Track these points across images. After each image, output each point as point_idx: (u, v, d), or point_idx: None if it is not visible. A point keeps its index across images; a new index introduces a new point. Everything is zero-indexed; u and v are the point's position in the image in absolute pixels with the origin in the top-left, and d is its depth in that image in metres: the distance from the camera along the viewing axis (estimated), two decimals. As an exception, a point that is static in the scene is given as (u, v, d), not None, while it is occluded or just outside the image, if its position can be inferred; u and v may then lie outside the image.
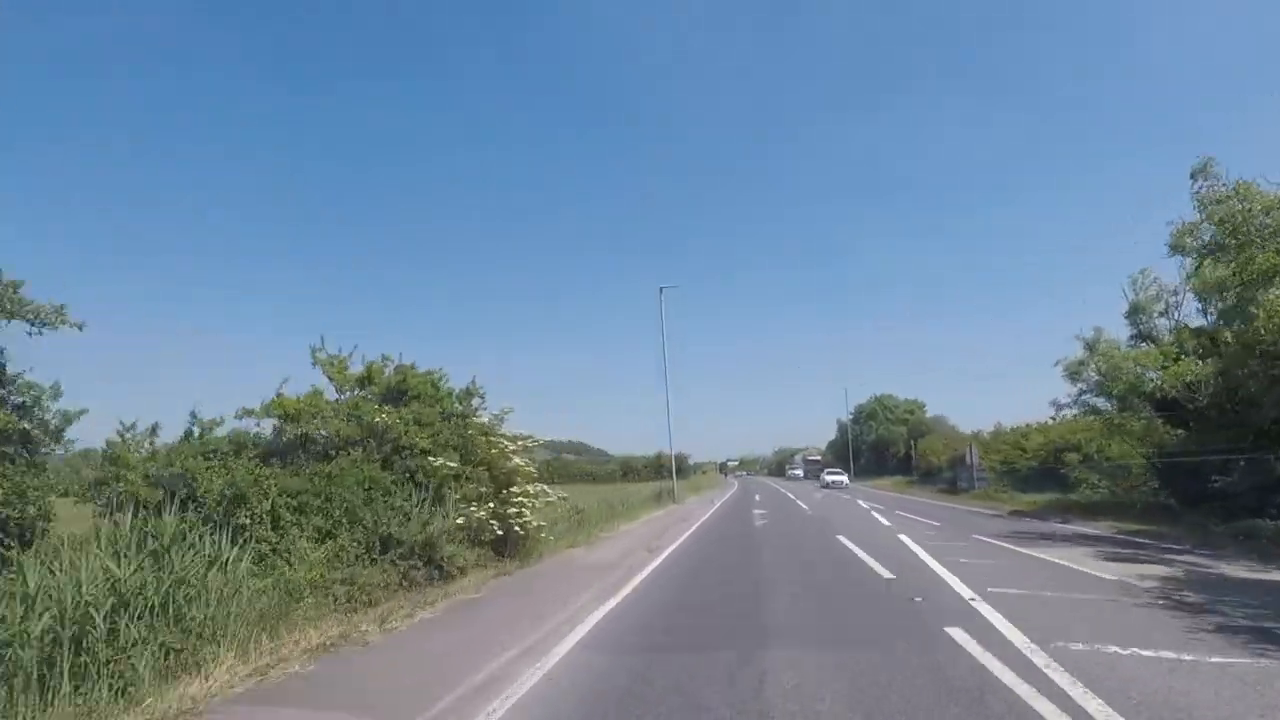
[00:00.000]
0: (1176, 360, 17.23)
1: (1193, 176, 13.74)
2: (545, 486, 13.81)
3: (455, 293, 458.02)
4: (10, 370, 7.63)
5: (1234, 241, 12.68)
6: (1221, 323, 17.72)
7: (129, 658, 4.82)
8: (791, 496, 38.51)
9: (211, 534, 7.05)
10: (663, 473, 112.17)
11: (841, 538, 15.68)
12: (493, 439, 12.32)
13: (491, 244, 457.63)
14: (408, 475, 11.26)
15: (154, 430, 9.80)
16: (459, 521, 10.74)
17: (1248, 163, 59.70)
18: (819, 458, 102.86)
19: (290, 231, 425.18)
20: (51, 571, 5.43)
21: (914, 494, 39.88)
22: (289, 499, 8.56)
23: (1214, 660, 5.39)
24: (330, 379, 12.76)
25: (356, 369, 13.41)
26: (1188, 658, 5.45)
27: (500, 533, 11.36)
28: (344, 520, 8.90)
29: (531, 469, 12.96)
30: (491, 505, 11.46)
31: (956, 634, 6.30)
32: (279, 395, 11.58)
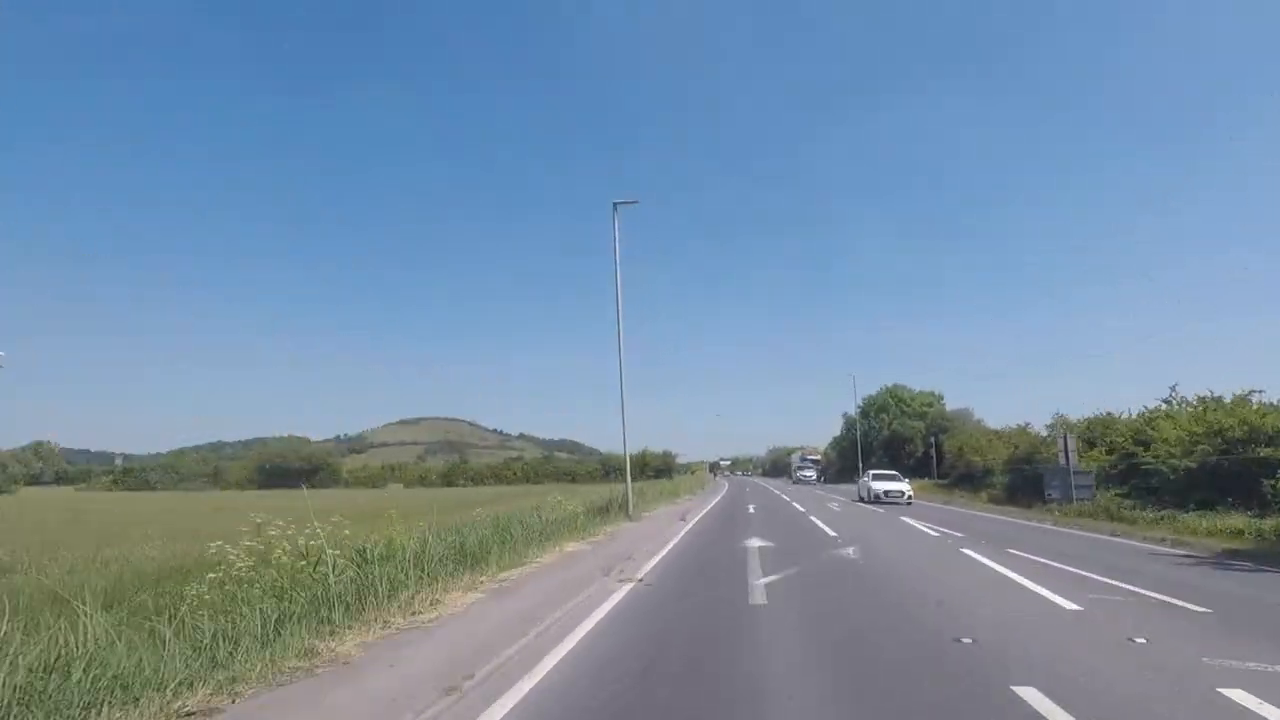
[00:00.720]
0: None
1: None
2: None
3: (455, 293, 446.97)
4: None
5: None
6: None
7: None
8: (801, 509, 27.42)
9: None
10: (647, 472, 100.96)
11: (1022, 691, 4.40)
12: None
13: (489, 244, 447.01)
14: None
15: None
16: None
17: None
18: (818, 457, 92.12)
19: (284, 231, 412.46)
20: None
21: (968, 506, 28.90)
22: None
23: None
24: None
25: None
26: None
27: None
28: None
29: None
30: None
31: None
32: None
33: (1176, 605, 7.73)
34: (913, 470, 58.03)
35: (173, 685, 4.31)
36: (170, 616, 5.73)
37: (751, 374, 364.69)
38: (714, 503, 33.62)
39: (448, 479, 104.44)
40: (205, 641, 5.19)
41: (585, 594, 8.40)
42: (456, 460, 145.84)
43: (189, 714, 4.02)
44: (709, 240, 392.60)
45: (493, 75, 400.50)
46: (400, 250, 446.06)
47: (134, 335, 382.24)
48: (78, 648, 4.49)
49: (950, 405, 62.49)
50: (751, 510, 26.88)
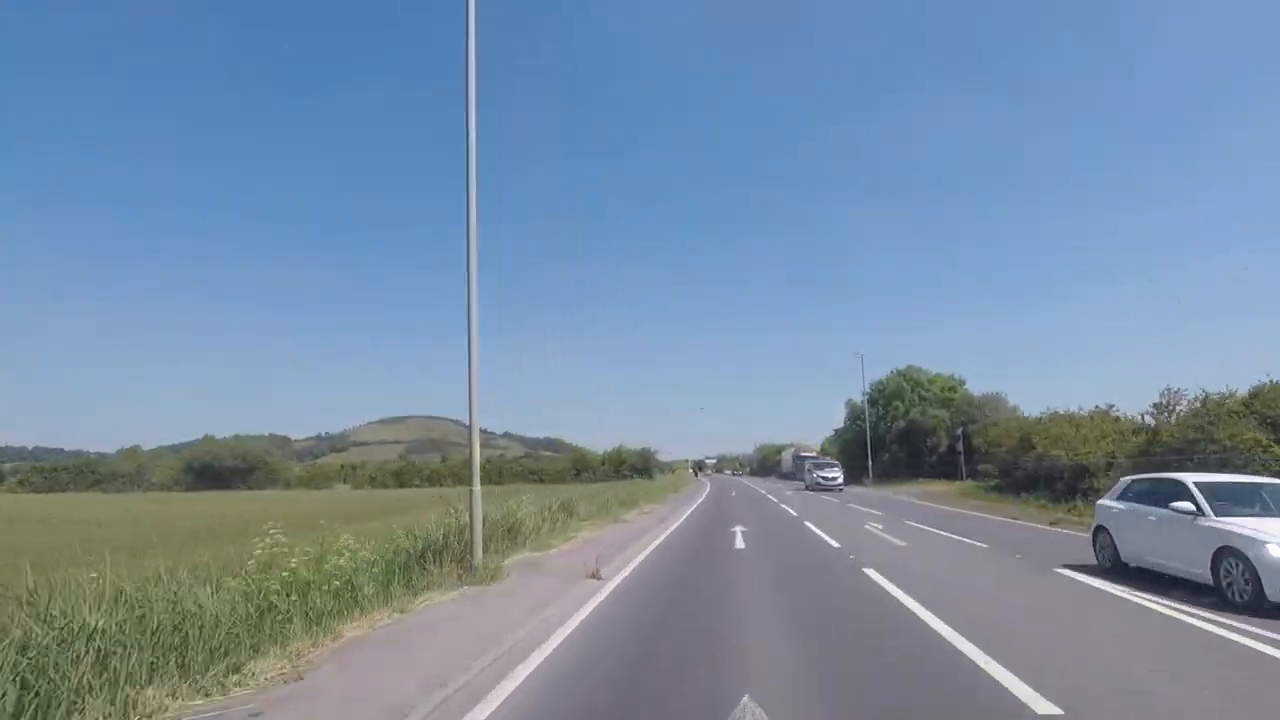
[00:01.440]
0: None
1: None
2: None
3: (443, 291, 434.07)
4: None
5: None
6: None
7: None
8: (823, 535, 15.95)
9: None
10: (622, 470, 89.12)
11: None
12: None
13: (484, 243, 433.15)
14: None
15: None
16: None
17: None
18: (814, 454, 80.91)
19: (271, 229, 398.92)
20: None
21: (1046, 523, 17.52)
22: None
23: None
24: None
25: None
26: None
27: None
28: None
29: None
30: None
31: None
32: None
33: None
34: (936, 468, 46.82)
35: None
36: None
37: (742, 371, 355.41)
38: (688, 515, 22.35)
39: (400, 479, 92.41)
40: None
41: None
42: (437, 459, 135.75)
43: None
44: (704, 238, 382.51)
45: (490, 75, 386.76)
46: (388, 247, 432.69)
47: (117, 334, 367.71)
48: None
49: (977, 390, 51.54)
50: (740, 537, 15.52)
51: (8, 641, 3.85)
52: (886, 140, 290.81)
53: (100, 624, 4.27)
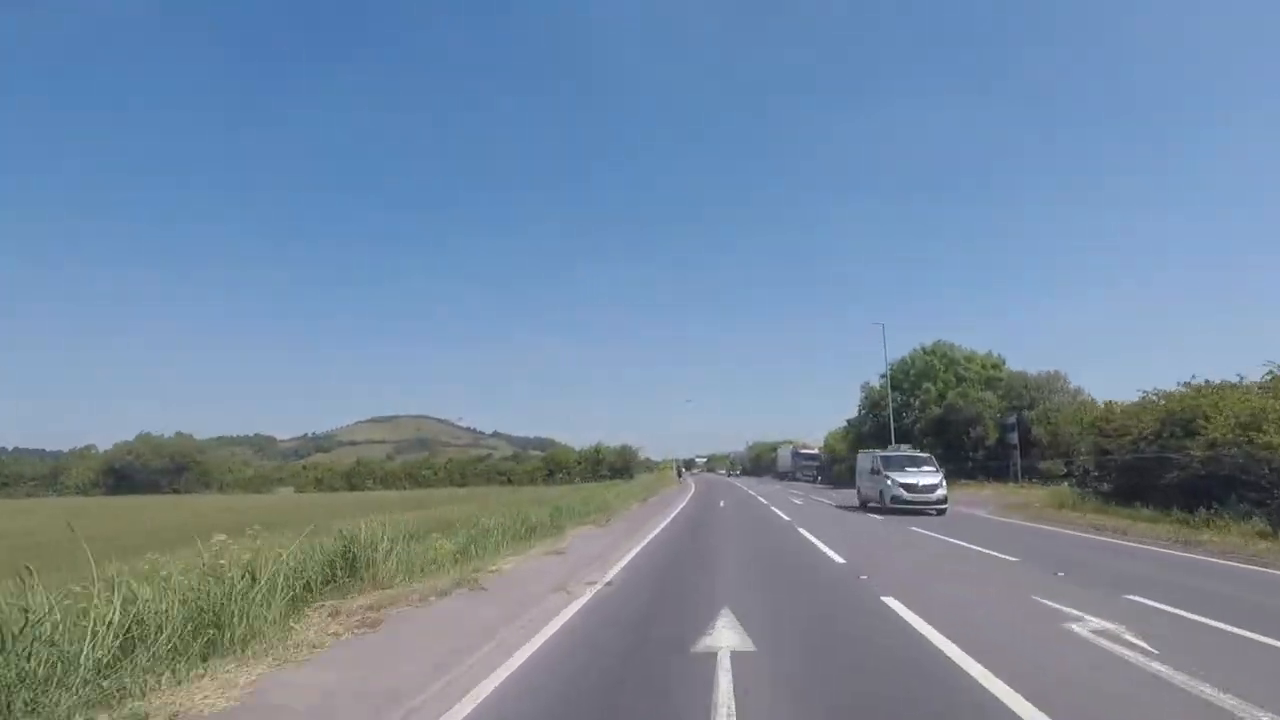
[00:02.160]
0: None
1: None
2: None
3: (434, 290, 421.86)
4: None
5: None
6: None
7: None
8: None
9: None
10: (599, 470, 77.53)
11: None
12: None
13: (470, 240, 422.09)
14: None
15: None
16: None
17: None
18: (815, 450, 69.90)
19: (260, 229, 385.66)
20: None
21: None
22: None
23: None
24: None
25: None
26: None
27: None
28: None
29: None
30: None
31: None
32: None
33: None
34: (981, 467, 35.74)
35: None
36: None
37: (735, 368, 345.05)
38: (646, 542, 11.25)
39: (351, 482, 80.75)
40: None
41: None
42: (425, 457, 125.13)
43: None
44: (700, 236, 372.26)
45: (487, 75, 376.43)
46: (379, 245, 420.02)
47: (104, 334, 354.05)
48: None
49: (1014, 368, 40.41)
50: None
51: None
52: (878, 137, 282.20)
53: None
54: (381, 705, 4.07)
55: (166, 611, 4.72)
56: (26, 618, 4.00)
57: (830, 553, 12.27)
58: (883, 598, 7.48)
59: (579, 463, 79.58)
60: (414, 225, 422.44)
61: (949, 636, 5.65)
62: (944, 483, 21.41)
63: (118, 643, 4.30)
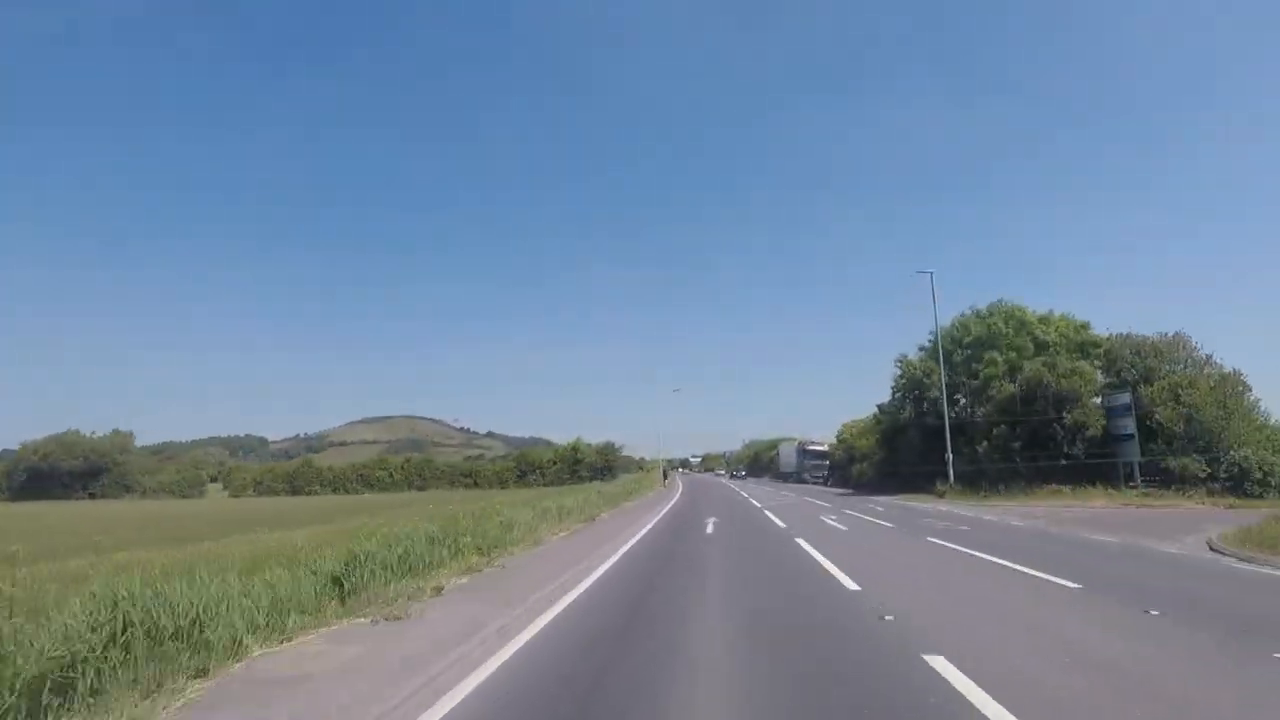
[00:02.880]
0: None
1: None
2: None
3: (428, 292, 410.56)
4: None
5: None
6: None
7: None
8: None
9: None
10: (578, 470, 65.84)
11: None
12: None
13: (473, 243, 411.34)
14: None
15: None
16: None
17: None
18: (824, 447, 58.96)
19: (254, 229, 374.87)
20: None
21: None
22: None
23: None
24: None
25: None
26: None
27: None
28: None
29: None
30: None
31: None
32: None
33: None
34: (1082, 468, 24.70)
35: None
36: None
37: (736, 368, 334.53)
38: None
39: (294, 485, 69.37)
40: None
41: None
42: (420, 458, 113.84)
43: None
44: (689, 229, 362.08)
45: (483, 75, 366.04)
46: (379, 246, 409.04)
47: (96, 333, 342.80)
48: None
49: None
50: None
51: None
52: (873, 136, 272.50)
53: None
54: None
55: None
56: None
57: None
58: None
59: (553, 463, 68.33)
60: (412, 226, 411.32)
61: None
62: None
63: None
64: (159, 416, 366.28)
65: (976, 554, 10.79)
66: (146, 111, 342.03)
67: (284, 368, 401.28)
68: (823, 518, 18.27)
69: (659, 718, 3.71)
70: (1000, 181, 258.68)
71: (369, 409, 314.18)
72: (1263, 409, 24.76)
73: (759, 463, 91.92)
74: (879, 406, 35.27)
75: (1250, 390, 24.73)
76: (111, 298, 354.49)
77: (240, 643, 5.00)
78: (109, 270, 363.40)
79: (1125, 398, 23.96)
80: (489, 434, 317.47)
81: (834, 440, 55.13)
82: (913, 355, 32.90)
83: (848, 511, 20.78)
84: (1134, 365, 25.58)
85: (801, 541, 12.99)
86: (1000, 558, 10.13)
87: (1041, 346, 28.11)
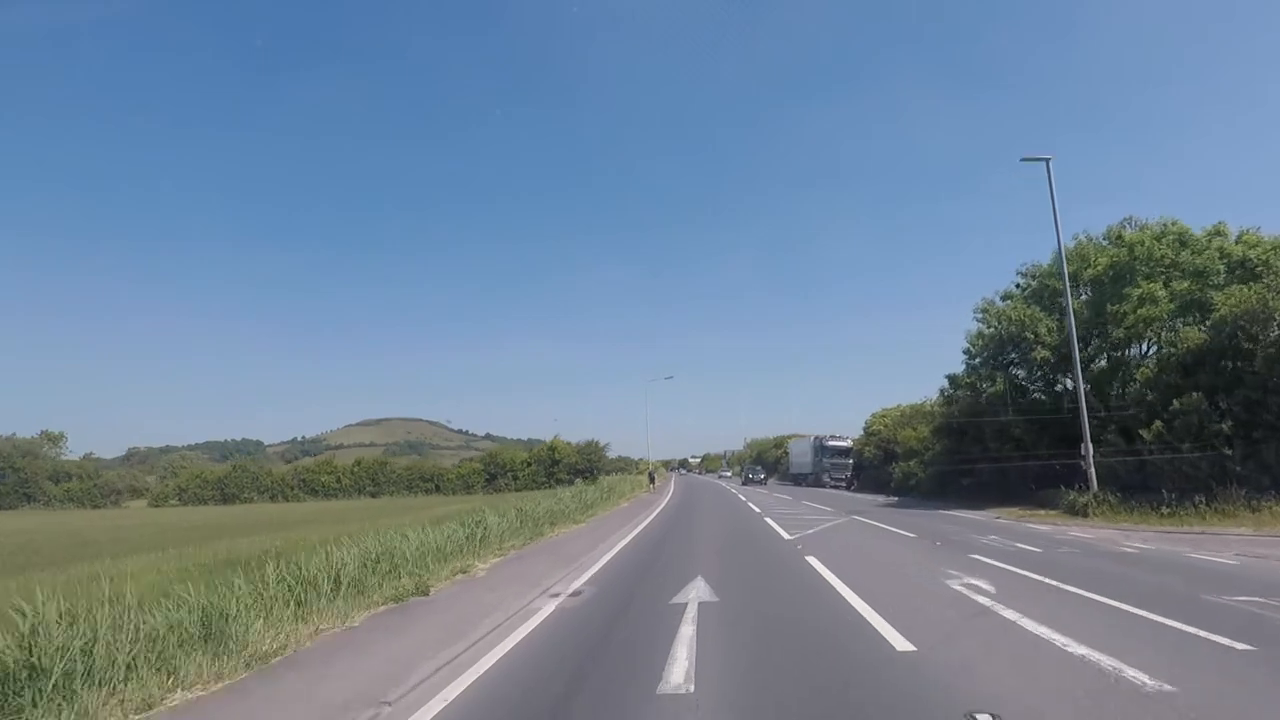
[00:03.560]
0: None
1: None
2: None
3: (426, 294, 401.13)
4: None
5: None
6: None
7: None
8: None
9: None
10: (556, 473, 54.32)
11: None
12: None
13: (473, 244, 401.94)
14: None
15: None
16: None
17: None
18: (847, 443, 47.98)
19: (251, 229, 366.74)
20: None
21: None
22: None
23: None
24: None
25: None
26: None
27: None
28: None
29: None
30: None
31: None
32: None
33: None
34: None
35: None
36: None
37: (735, 368, 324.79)
38: None
39: (225, 492, 58.45)
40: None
41: None
42: (372, 460, 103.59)
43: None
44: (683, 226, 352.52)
45: (480, 76, 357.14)
46: (377, 246, 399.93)
47: (88, 335, 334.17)
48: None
49: None
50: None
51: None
52: (866, 133, 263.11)
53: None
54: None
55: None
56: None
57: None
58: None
59: (527, 464, 57.44)
60: (411, 227, 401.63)
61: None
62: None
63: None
64: (159, 421, 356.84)
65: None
66: (147, 111, 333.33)
67: (281, 371, 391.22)
68: (971, 594, 7.44)
69: None
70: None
71: (366, 411, 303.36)
72: None
73: (763, 463, 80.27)
74: (948, 379, 24.30)
75: None
76: (103, 300, 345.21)
77: None
78: (107, 271, 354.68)
79: None
80: (487, 436, 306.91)
81: (861, 433, 44.29)
82: (998, 300, 21.91)
83: (981, 560, 9.90)
84: None
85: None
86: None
87: (1235, 271, 17.18)
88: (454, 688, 4.24)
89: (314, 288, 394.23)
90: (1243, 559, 9.51)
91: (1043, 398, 19.02)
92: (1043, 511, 17.72)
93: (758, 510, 21.31)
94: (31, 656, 3.84)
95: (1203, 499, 14.57)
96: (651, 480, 41.35)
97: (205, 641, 4.74)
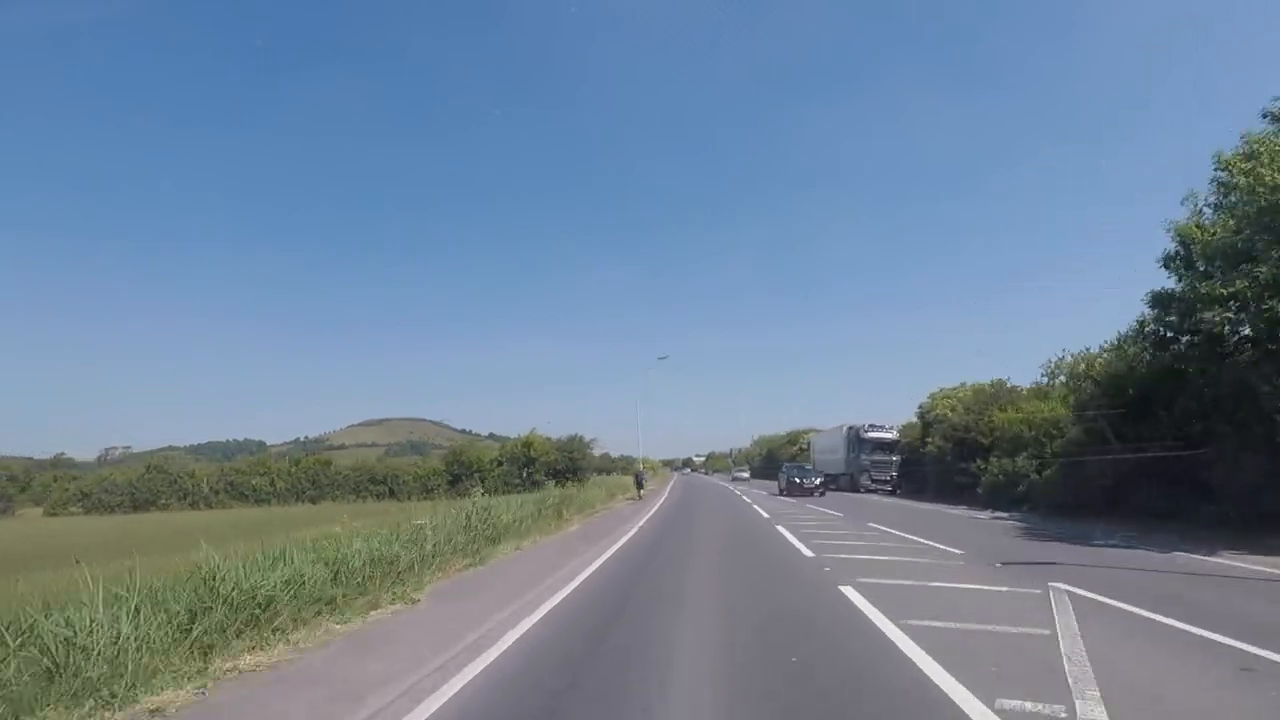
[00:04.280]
0: None
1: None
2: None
3: (427, 295, 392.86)
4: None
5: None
6: None
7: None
8: None
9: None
10: (532, 473, 44.94)
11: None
12: None
13: (459, 239, 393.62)
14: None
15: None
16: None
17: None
18: (893, 433, 37.64)
19: (251, 229, 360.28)
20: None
21: None
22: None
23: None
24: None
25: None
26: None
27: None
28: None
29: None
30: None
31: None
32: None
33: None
34: None
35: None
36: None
37: (735, 368, 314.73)
38: None
39: (136, 499, 48.71)
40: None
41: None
42: (313, 460, 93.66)
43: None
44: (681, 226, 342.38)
45: (479, 77, 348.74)
46: (369, 247, 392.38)
47: (90, 336, 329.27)
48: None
49: None
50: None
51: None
52: (864, 133, 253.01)
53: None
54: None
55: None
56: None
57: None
58: None
59: (498, 462, 47.41)
60: (411, 227, 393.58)
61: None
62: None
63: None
64: (159, 422, 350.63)
65: None
66: (147, 111, 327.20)
67: (282, 371, 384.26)
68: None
69: None
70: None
71: (369, 411, 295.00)
72: None
73: (775, 462, 68.70)
74: (1120, 336, 14.14)
75: None
76: (103, 300, 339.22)
77: None
78: (107, 271, 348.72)
79: None
80: (490, 435, 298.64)
81: (916, 418, 33.91)
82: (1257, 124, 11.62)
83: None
84: None
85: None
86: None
87: None
88: None
89: (314, 288, 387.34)
90: None
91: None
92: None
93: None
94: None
95: None
96: (639, 485, 31.04)
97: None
